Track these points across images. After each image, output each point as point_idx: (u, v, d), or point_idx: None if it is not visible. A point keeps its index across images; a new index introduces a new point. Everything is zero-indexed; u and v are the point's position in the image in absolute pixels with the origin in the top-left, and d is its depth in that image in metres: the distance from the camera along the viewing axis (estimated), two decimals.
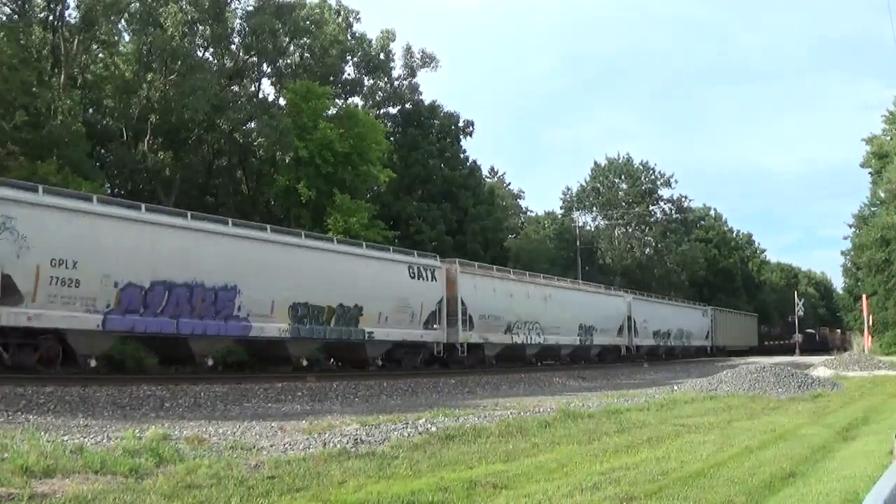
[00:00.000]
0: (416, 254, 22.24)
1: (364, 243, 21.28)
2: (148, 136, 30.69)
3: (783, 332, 65.66)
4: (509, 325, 24.80)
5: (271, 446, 8.03)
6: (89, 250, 13.27)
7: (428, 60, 42.29)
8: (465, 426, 9.69)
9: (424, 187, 40.96)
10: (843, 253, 61.70)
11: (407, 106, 42.59)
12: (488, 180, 54.23)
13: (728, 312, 54.10)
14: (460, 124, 44.23)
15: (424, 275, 21.35)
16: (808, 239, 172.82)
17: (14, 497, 5.26)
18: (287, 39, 34.50)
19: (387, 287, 19.96)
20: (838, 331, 72.41)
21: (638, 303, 36.00)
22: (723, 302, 59.57)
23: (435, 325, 21.48)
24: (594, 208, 61.99)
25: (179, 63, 29.04)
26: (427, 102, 43.17)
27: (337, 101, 36.68)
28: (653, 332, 37.02)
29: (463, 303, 22.52)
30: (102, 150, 31.53)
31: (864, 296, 45.75)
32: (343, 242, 20.71)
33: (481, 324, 23.35)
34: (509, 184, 63.19)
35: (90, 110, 31.04)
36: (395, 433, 9.10)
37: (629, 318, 34.24)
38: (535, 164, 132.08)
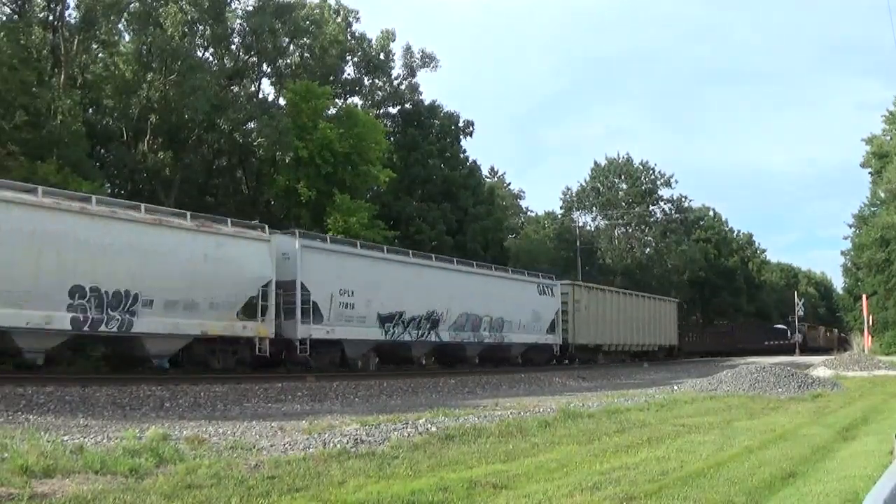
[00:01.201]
0: None
1: None
2: (148, 136, 30.69)
3: (732, 330, 56.99)
4: None
5: (271, 446, 8.02)
6: None
7: (428, 60, 42.28)
8: (465, 426, 9.69)
9: (424, 187, 40.93)
10: (843, 253, 61.52)
11: (407, 106, 42.55)
12: (488, 180, 54.23)
13: (606, 292, 33.38)
14: (460, 124, 44.18)
15: None
16: (808, 239, 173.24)
17: (14, 497, 5.25)
18: (287, 39, 34.51)
19: None
20: (822, 328, 71.12)
21: (321, 256, 18.67)
22: (724, 302, 58.74)
23: None
24: (594, 208, 61.96)
25: (179, 63, 29.01)
26: (427, 102, 43.15)
27: (337, 101, 36.69)
28: (380, 315, 20.15)
29: None
30: (102, 150, 31.51)
31: (864, 296, 45.72)
32: None
33: None
34: (509, 184, 63.35)
35: (90, 110, 30.99)
36: (395, 433, 9.10)
37: (293, 283, 17.58)
38: (535, 164, 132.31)
